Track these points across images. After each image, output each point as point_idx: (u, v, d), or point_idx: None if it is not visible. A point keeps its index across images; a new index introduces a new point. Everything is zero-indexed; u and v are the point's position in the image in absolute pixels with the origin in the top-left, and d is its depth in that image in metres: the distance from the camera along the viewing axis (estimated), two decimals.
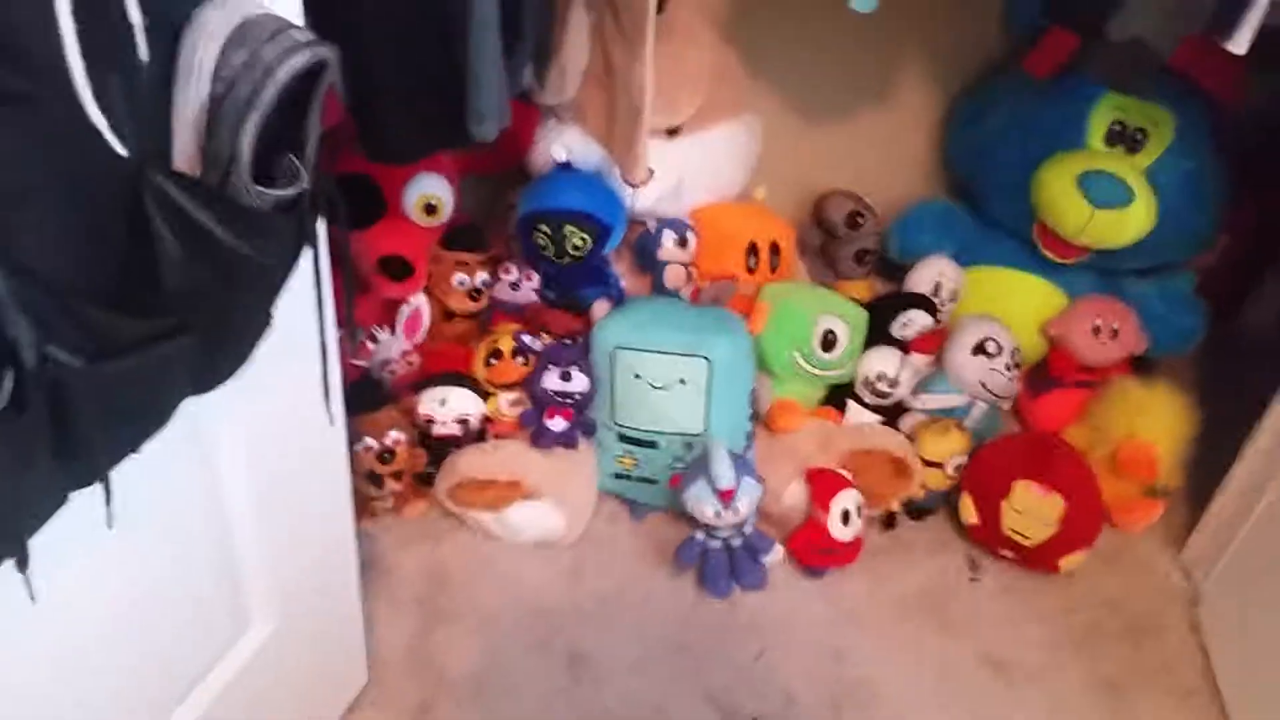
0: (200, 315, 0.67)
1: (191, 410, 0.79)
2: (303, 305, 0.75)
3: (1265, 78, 1.70)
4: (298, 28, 0.68)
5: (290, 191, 0.69)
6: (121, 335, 0.62)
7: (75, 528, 0.65)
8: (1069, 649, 1.46)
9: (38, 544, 0.62)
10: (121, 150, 0.55)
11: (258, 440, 0.87)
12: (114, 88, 0.59)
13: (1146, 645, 1.48)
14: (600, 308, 1.56)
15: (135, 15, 0.55)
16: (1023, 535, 1.50)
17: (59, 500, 0.61)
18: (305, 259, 0.76)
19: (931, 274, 1.78)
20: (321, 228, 0.87)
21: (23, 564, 0.62)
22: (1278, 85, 1.72)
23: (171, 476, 0.81)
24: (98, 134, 0.54)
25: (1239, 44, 1.26)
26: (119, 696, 0.85)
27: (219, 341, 0.71)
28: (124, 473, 0.66)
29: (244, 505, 0.89)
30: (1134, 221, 1.66)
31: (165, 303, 0.66)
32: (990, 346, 1.66)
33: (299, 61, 0.66)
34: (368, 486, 1.44)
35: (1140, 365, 1.82)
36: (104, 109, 0.54)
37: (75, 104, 0.52)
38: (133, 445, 0.67)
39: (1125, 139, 1.70)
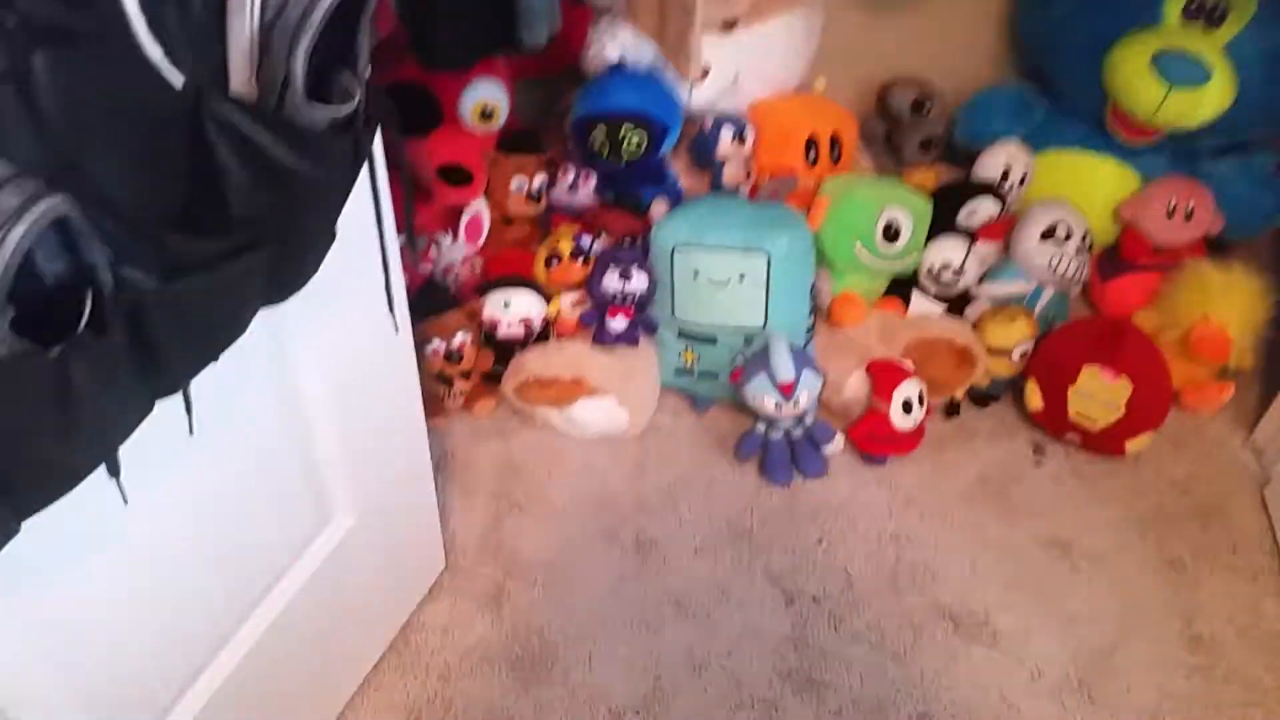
0: (266, 233, 0.71)
1: (267, 320, 0.85)
2: (364, 218, 0.78)
3: None
4: None
5: (345, 109, 0.72)
6: (193, 255, 0.67)
7: (161, 434, 0.70)
8: (1135, 530, 1.47)
9: (127, 450, 0.67)
10: (178, 81, 0.58)
11: (330, 346, 0.92)
12: (170, 19, 0.62)
13: (1214, 526, 1.48)
14: (659, 207, 1.57)
15: None
16: (1089, 419, 1.50)
17: (144, 410, 0.66)
18: (364, 173, 0.79)
19: (1000, 159, 1.74)
20: (378, 140, 0.90)
21: (114, 470, 0.68)
22: None
23: (250, 383, 0.86)
24: (154, 66, 0.57)
25: None
26: (211, 586, 0.93)
27: (286, 256, 0.75)
28: (205, 381, 0.71)
29: (320, 407, 0.95)
30: (1211, 99, 1.60)
31: (232, 222, 0.70)
32: (1060, 231, 1.63)
33: None
34: (438, 386, 1.50)
35: (1215, 247, 1.78)
36: (159, 41, 0.57)
37: (131, 39, 0.55)
38: (211, 356, 0.72)
39: (1204, 13, 1.63)
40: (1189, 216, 1.69)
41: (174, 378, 0.71)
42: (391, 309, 0.82)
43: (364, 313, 0.87)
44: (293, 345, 0.88)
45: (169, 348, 0.68)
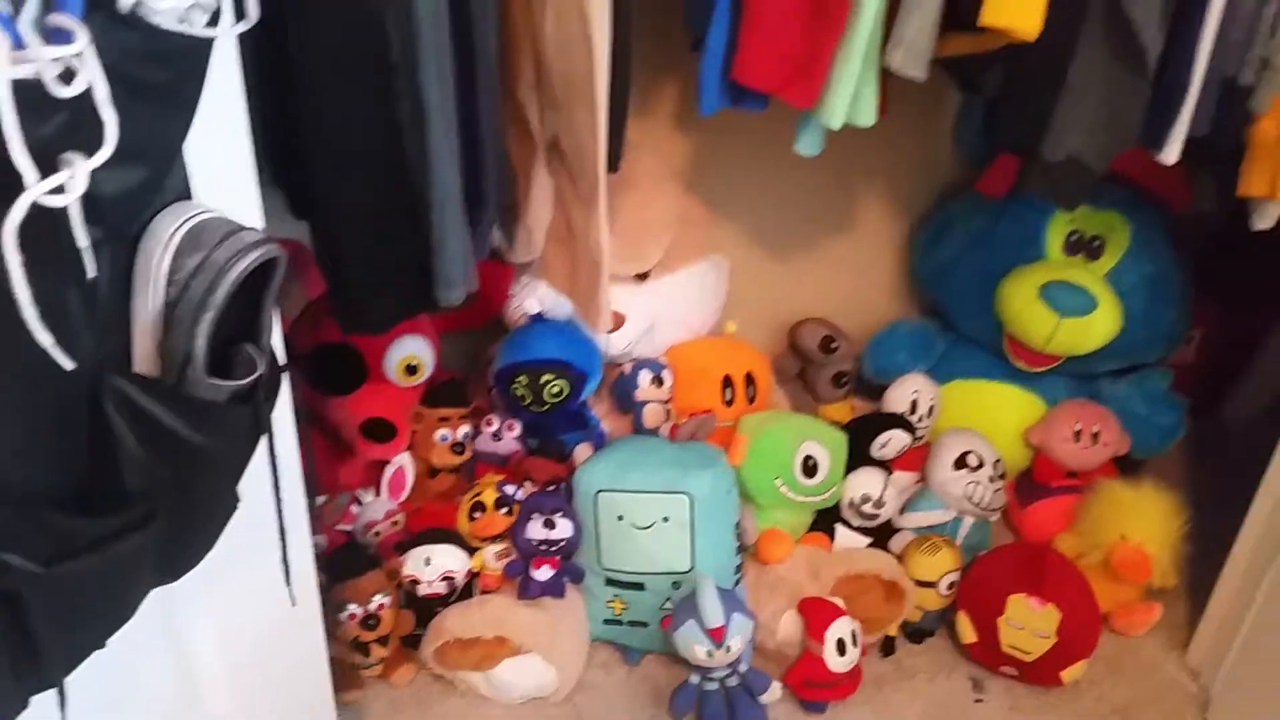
0: (162, 508, 0.69)
1: (160, 599, 0.81)
2: (261, 487, 0.77)
3: (1206, 180, 1.77)
4: (249, 229, 0.72)
5: (246, 382, 0.72)
6: (80, 536, 0.64)
7: None
8: None
9: None
10: (68, 364, 0.58)
11: (228, 623, 0.88)
12: (70, 302, 0.62)
13: None
14: (582, 451, 1.58)
15: (82, 239, 0.58)
16: (1022, 650, 1.48)
17: (16, 709, 0.61)
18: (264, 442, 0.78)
19: (907, 392, 1.80)
20: (287, 405, 0.90)
21: None
22: (1219, 187, 1.77)
23: (141, 665, 0.81)
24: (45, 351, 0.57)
25: (1169, 155, 1.32)
26: None
27: (182, 531, 0.73)
28: (91, 665, 0.67)
29: (217, 690, 0.89)
30: (1099, 327, 1.69)
31: (126, 498, 0.67)
32: (971, 459, 1.67)
33: (249, 261, 0.70)
34: (353, 655, 1.43)
35: (1125, 466, 1.83)
36: (52, 326, 0.57)
37: (23, 327, 0.55)
38: (95, 644, 0.67)
39: (1083, 247, 1.75)
40: (1095, 439, 1.75)
41: (53, 670, 0.66)
42: (288, 580, 0.79)
43: (262, 586, 0.84)
44: (185, 624, 0.83)
45: (49, 638, 0.64)
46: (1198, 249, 1.84)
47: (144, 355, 0.70)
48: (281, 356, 0.84)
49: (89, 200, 0.59)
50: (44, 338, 0.55)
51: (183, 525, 0.72)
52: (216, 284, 0.69)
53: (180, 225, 0.70)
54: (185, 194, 0.73)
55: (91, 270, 0.60)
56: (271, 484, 0.75)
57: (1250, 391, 2.11)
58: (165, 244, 0.69)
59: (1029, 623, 1.46)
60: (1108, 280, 1.72)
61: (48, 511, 0.62)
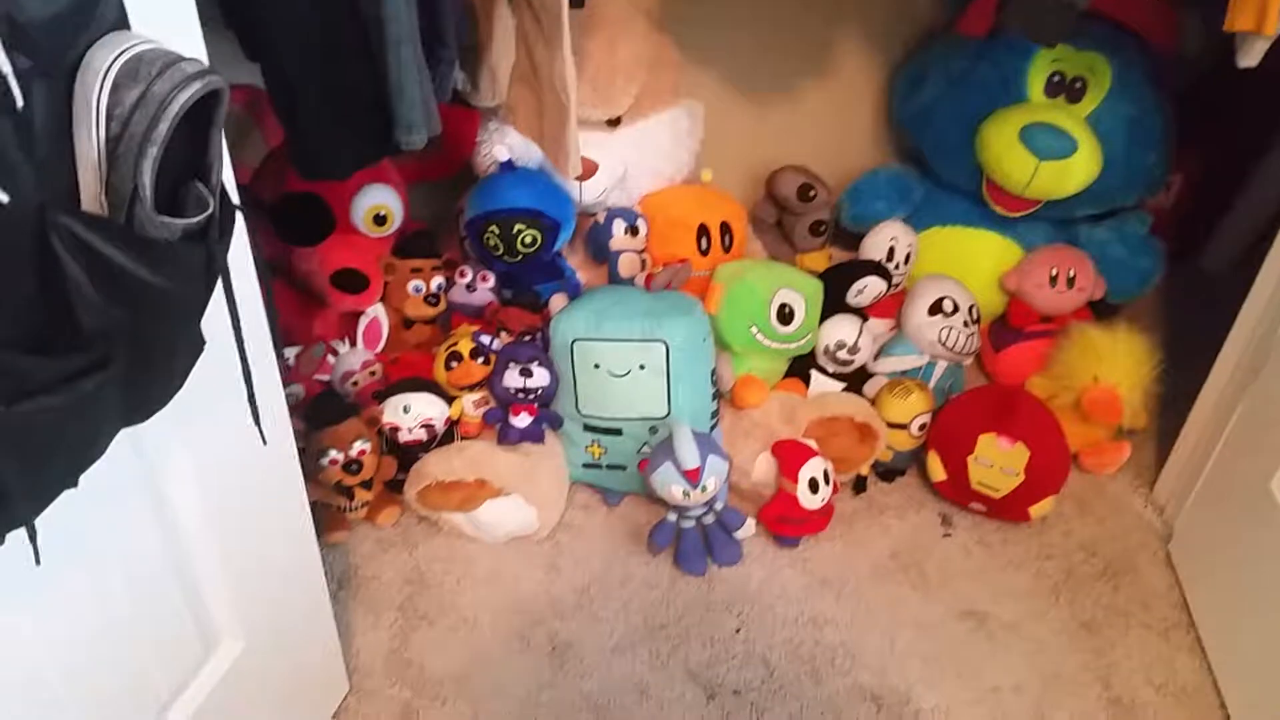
0: (119, 349, 0.69)
1: (133, 440, 0.81)
2: (224, 329, 0.76)
3: (1193, 21, 1.72)
4: (189, 59, 0.69)
5: (196, 219, 0.70)
6: (40, 377, 0.64)
7: (16, 565, 0.66)
8: (1047, 596, 1.48)
9: None
10: (2, 196, 0.56)
11: (205, 464, 0.89)
12: (3, 132, 0.60)
13: (1123, 585, 1.50)
14: (557, 301, 1.58)
15: (5, 65, 0.56)
16: (990, 488, 1.52)
17: None
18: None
19: (884, 239, 1.79)
20: (246, 249, 0.88)
21: None
22: (1207, 28, 1.73)
23: (119, 506, 0.82)
24: None
25: None
26: None
27: (143, 371, 0.72)
28: (61, 506, 0.68)
29: (198, 529, 0.91)
30: (1079, 169, 1.68)
31: (85, 340, 0.67)
32: (947, 305, 1.68)
33: (191, 94, 0.68)
34: (338, 498, 1.46)
35: (1100, 310, 1.84)
36: None
37: None
38: (63, 482, 0.68)
39: (1065, 88, 1.72)
40: (1071, 283, 1.75)
41: (21, 507, 0.67)
42: (257, 420, 0.79)
43: (235, 427, 0.84)
44: (167, 461, 0.84)
45: (13, 475, 0.64)
46: (1181, 94, 1.80)
47: (91, 195, 0.68)
48: (235, 195, 0.82)
49: (12, 25, 0.56)
50: None
51: (144, 366, 0.71)
52: (158, 118, 0.66)
53: (117, 57, 0.67)
54: (122, 24, 0.70)
55: (19, 98, 0.58)
56: (231, 323, 0.75)
57: (1228, 236, 2.11)
58: (102, 76, 0.66)
59: (998, 460, 1.50)
60: (1089, 122, 1.69)
61: (5, 353, 0.62)
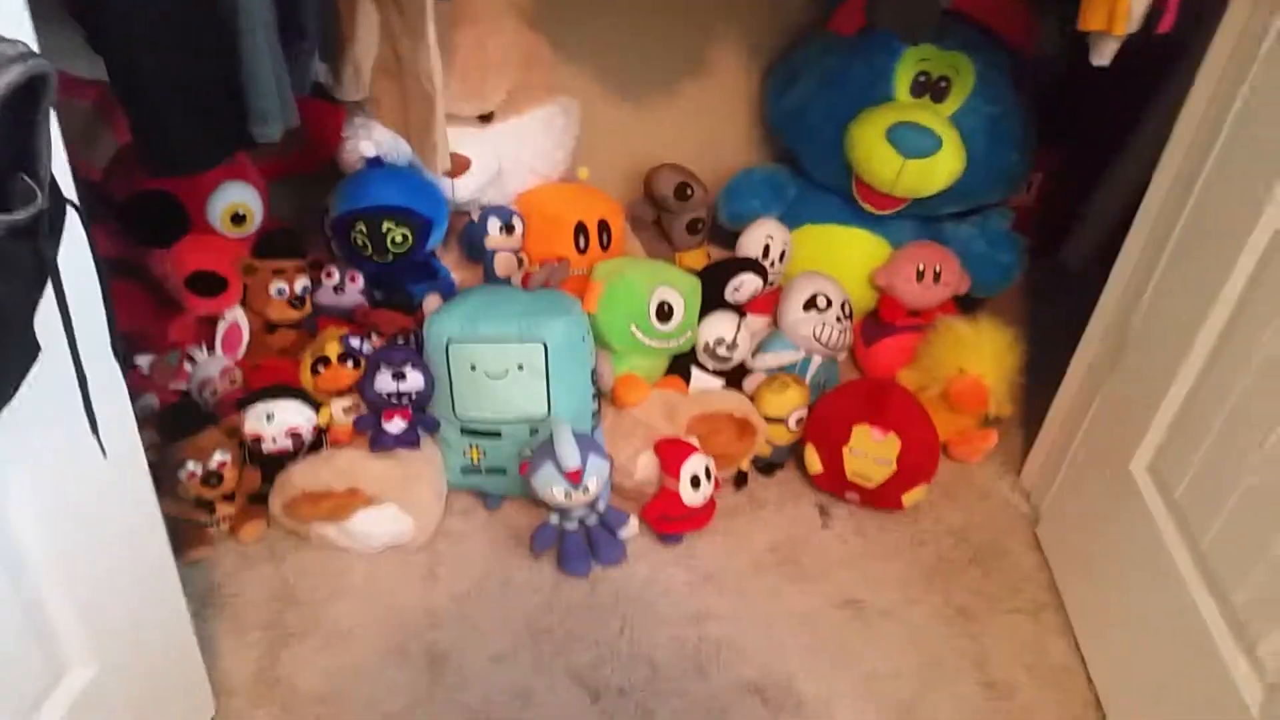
0: None
1: None
2: (56, 333, 0.71)
3: (1051, 21, 1.79)
4: (8, 41, 0.64)
5: (22, 214, 0.65)
6: None
7: None
8: (921, 582, 1.51)
9: None
10: None
11: (42, 478, 0.82)
12: None
13: (994, 570, 1.54)
14: (431, 302, 1.53)
15: None
16: (865, 477, 1.54)
17: None
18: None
19: (759, 237, 1.81)
20: (84, 246, 0.82)
21: None
22: (1063, 28, 1.80)
23: None
24: None
25: None
26: None
27: None
28: None
29: (37, 547, 0.84)
30: (943, 167, 1.72)
31: None
32: (820, 301, 1.70)
33: (11, 79, 0.62)
34: (198, 513, 1.38)
35: (965, 305, 1.90)
36: None
37: None
38: None
39: (930, 88, 1.77)
40: (937, 278, 1.80)
41: None
42: (95, 431, 0.74)
43: (74, 439, 0.78)
44: (1, 476, 0.77)
45: None
46: (1041, 93, 1.88)
47: None
48: (69, 190, 0.76)
49: None
50: None
51: None
52: None
53: None
54: None
55: None
56: (64, 327, 0.69)
57: (1086, 232, 2.21)
58: None
59: (871, 450, 1.53)
60: (952, 121, 1.74)
61: None
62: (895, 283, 1.81)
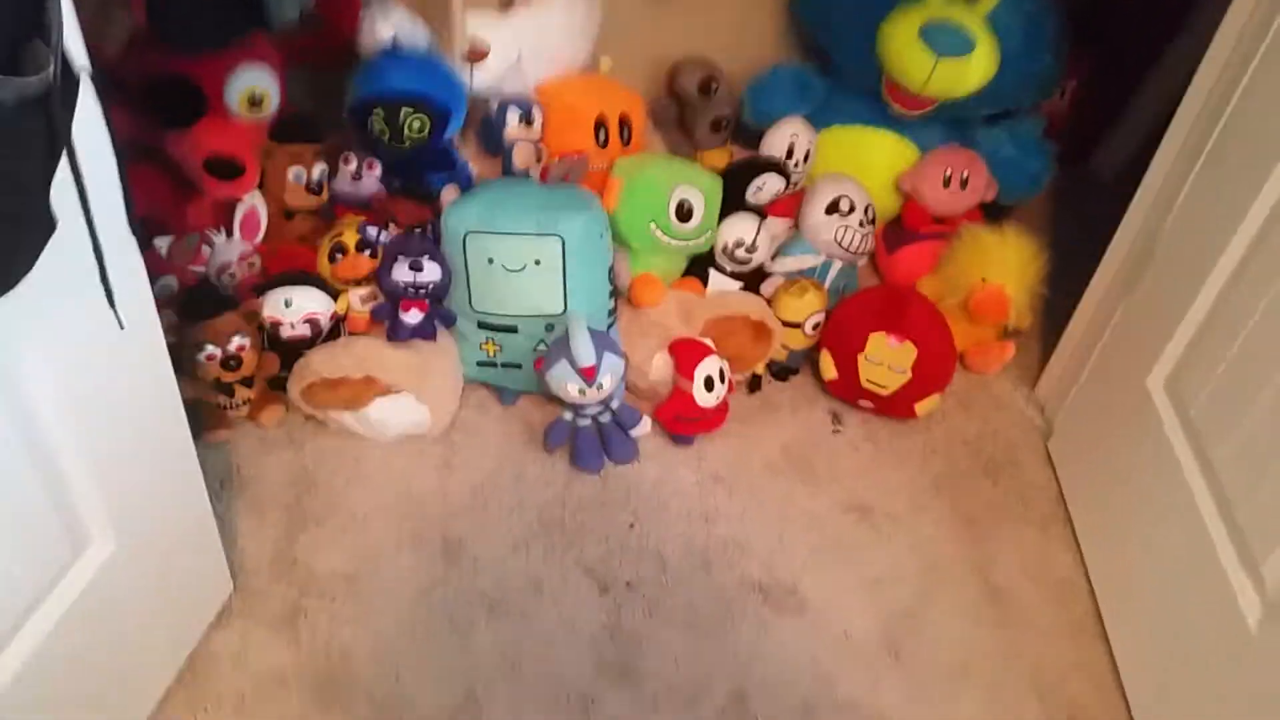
0: None
1: None
2: (73, 206, 0.70)
3: None
4: None
5: (35, 79, 0.64)
6: None
7: None
8: (930, 490, 1.52)
9: None
10: None
11: (60, 352, 0.82)
12: None
13: (1004, 480, 1.55)
14: (448, 193, 1.51)
15: None
16: (879, 385, 1.54)
17: None
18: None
19: (784, 137, 1.77)
20: (99, 118, 0.81)
21: None
22: None
23: None
24: None
25: None
26: None
27: None
28: None
29: (57, 421, 0.85)
30: (977, 68, 1.67)
31: None
32: (843, 205, 1.67)
33: None
34: (218, 395, 1.40)
35: (992, 212, 1.87)
36: None
37: None
38: None
39: None
40: (964, 184, 1.77)
41: None
42: (111, 303, 0.74)
43: (92, 313, 0.78)
44: (19, 350, 0.78)
45: None
46: None
47: None
48: (84, 61, 0.74)
49: None
50: None
51: None
52: None
53: None
54: None
55: None
56: (79, 197, 0.68)
57: (1119, 141, 2.16)
58: None
59: (887, 359, 1.52)
60: (987, 22, 1.68)
61: None
62: (921, 188, 1.77)
